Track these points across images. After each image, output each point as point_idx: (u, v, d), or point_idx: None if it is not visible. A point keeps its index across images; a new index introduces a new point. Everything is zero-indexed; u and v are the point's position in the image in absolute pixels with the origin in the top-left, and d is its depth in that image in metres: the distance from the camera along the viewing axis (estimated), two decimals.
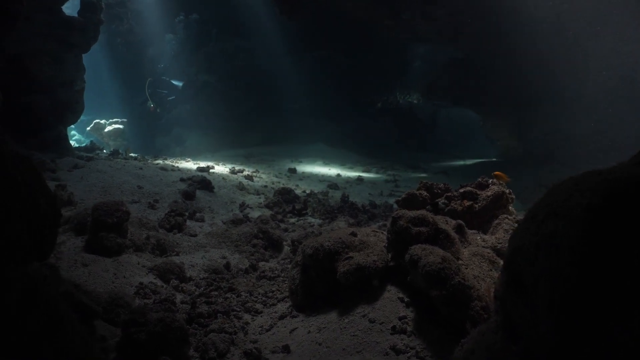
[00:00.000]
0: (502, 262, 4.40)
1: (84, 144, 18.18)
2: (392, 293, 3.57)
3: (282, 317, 3.96)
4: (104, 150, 15.91)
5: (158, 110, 21.46)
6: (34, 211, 2.18)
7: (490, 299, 3.45)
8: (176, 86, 22.97)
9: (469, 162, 21.16)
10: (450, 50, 19.80)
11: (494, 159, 20.56)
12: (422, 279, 3.19)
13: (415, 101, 26.83)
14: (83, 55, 12.27)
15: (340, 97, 22.61)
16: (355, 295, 3.68)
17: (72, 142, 19.91)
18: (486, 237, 4.88)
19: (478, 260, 4.04)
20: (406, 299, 3.48)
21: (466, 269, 3.78)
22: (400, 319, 3.30)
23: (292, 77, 21.47)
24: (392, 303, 3.46)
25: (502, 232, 4.93)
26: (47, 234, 2.28)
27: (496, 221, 5.10)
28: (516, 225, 5.02)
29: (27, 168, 2.42)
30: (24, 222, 2.08)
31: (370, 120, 23.40)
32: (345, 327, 3.35)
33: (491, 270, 4.09)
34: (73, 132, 28.28)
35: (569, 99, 15.25)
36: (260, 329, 3.82)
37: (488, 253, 4.20)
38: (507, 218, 5.09)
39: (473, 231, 4.89)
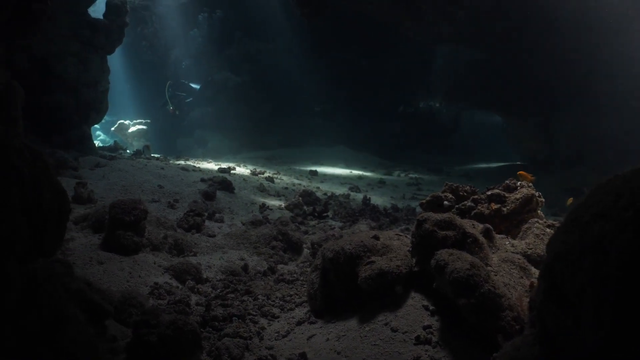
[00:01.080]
0: (533, 269, 4.16)
1: (108, 144, 18.38)
2: (416, 300, 3.37)
3: (299, 323, 3.79)
4: (127, 151, 16.02)
5: (177, 113, 21.61)
6: (36, 205, 2.06)
7: (522, 309, 3.23)
8: (194, 89, 23.10)
9: (493, 165, 20.73)
10: (472, 51, 19.44)
11: (518, 163, 20.08)
12: (449, 286, 2.99)
13: (437, 104, 26.46)
14: (108, 57, 12.38)
15: (361, 100, 22.41)
16: (377, 301, 3.49)
17: (97, 142, 20.19)
18: (515, 242, 4.63)
19: (508, 266, 3.81)
20: (431, 307, 3.28)
21: (495, 275, 3.57)
22: (424, 328, 3.10)
23: (313, 79, 21.37)
24: (416, 311, 3.26)
25: (532, 236, 4.68)
26: (52, 229, 2.16)
27: (526, 225, 4.85)
28: (548, 229, 4.77)
29: (37, 162, 2.31)
30: (23, 216, 1.96)
31: (392, 123, 23.15)
32: (365, 336, 3.16)
33: (522, 277, 3.85)
34: (98, 133, 28.70)
35: (597, 99, 14.76)
36: (276, 334, 3.66)
37: (518, 259, 3.97)
38: (538, 222, 4.83)
39: (501, 236, 4.65)
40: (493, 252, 4.09)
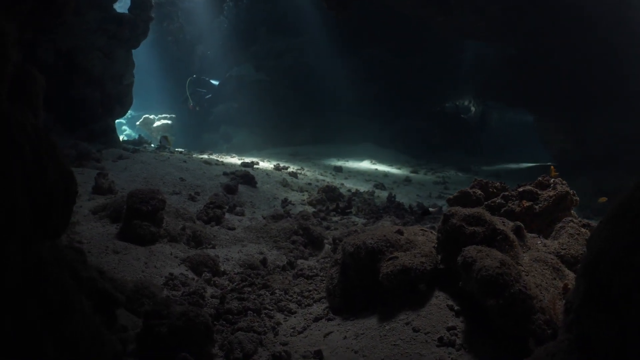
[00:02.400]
0: (567, 271, 3.91)
1: (133, 139, 18.57)
2: (440, 299, 3.18)
3: (316, 319, 3.63)
4: (152, 145, 16.13)
5: (197, 109, 21.67)
6: (40, 184, 1.95)
7: (555, 313, 2.99)
8: (214, 85, 23.11)
9: (523, 165, 20.18)
10: (503, 47, 18.93)
11: (549, 163, 19.47)
12: (477, 285, 2.79)
13: (466, 102, 25.93)
14: (134, 51, 12.44)
15: (389, 97, 22.06)
16: (398, 299, 3.31)
17: (123, 137, 20.42)
18: (547, 241, 4.38)
19: (540, 266, 3.57)
20: (456, 307, 3.08)
21: (527, 276, 3.34)
22: (448, 329, 2.91)
23: (340, 75, 21.14)
24: (440, 311, 3.06)
25: (566, 236, 4.41)
26: (57, 210, 2.05)
27: (559, 224, 4.58)
28: (583, 229, 4.49)
29: (42, 141, 2.21)
30: (25, 194, 1.85)
31: (420, 121, 22.76)
32: (385, 335, 2.98)
33: (555, 279, 3.61)
34: (124, 127, 29.08)
35: (631, 99, 14.15)
36: (292, 330, 3.51)
37: (552, 259, 3.72)
38: (572, 221, 4.56)
39: (533, 235, 4.40)
40: (524, 252, 3.85)
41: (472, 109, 26.11)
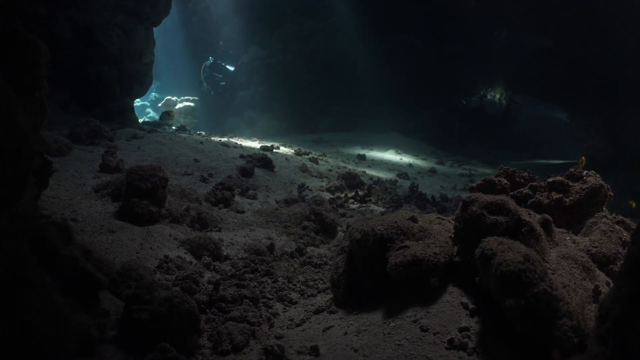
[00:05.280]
0: (597, 271, 3.50)
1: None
2: (454, 296, 2.83)
3: (317, 312, 3.33)
4: (173, 127, 15.99)
5: (212, 93, 21.40)
6: None
7: (583, 318, 2.61)
8: (229, 71, 22.74)
9: (553, 162, 19.44)
10: (537, 38, 18.13)
11: (582, 157, 18.65)
12: (495, 282, 2.43)
13: (496, 95, 25.10)
14: (160, 32, 12.22)
15: (417, 86, 21.42)
16: (407, 293, 2.97)
17: (145, 119, 20.35)
18: (577, 238, 3.97)
19: (568, 264, 3.19)
20: (471, 306, 2.72)
21: (553, 274, 2.96)
22: (460, 330, 2.56)
23: (368, 62, 20.61)
24: (452, 309, 2.72)
25: (598, 233, 3.99)
26: (4, 174, 1.78)
27: (591, 220, 4.15)
28: (617, 226, 4.07)
29: None
30: None
31: (447, 112, 22.10)
32: (389, 333, 2.66)
33: (584, 279, 3.22)
34: (148, 110, 29.11)
35: None
36: (290, 322, 3.21)
37: (582, 257, 3.33)
38: (606, 217, 4.13)
39: (561, 230, 4.00)
40: (551, 247, 3.47)
41: (500, 102, 25.26)
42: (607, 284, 3.39)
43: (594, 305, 2.97)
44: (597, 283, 3.17)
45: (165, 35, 22.37)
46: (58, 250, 2.86)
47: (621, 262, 3.78)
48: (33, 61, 4.96)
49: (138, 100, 27.27)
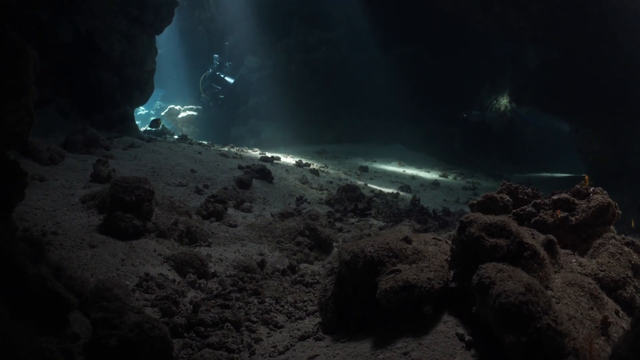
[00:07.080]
0: (606, 298, 3.26)
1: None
2: (448, 326, 2.60)
3: (303, 338, 3.10)
4: (175, 136, 15.86)
5: (210, 104, 21.31)
6: None
7: (591, 355, 2.38)
8: (229, 83, 22.64)
9: (557, 175, 19.16)
10: (544, 50, 17.96)
11: (584, 175, 18.36)
12: (494, 315, 2.21)
13: (501, 107, 24.89)
14: (165, 41, 12.14)
15: (422, 98, 21.25)
16: (399, 321, 2.75)
17: (147, 127, 20.24)
18: (583, 260, 3.72)
19: (575, 292, 2.95)
20: (467, 337, 2.49)
21: (557, 303, 2.73)
22: None
23: (373, 74, 20.49)
24: (446, 340, 2.49)
25: (606, 255, 3.73)
26: None
27: (599, 241, 3.90)
28: (626, 248, 3.83)
29: None
30: None
31: (451, 125, 21.91)
32: None
33: (592, 308, 2.97)
34: (152, 118, 29.05)
35: None
36: (272, 350, 2.99)
37: (589, 284, 3.09)
38: (614, 238, 3.88)
39: (566, 251, 3.76)
40: (556, 271, 3.23)
41: (504, 114, 25.04)
42: (617, 312, 3.15)
43: (602, 338, 2.74)
44: (606, 314, 2.93)
45: (170, 44, 22.37)
46: (25, 269, 2.67)
47: (631, 287, 3.55)
48: (21, 66, 4.78)
49: (143, 108, 27.28)
